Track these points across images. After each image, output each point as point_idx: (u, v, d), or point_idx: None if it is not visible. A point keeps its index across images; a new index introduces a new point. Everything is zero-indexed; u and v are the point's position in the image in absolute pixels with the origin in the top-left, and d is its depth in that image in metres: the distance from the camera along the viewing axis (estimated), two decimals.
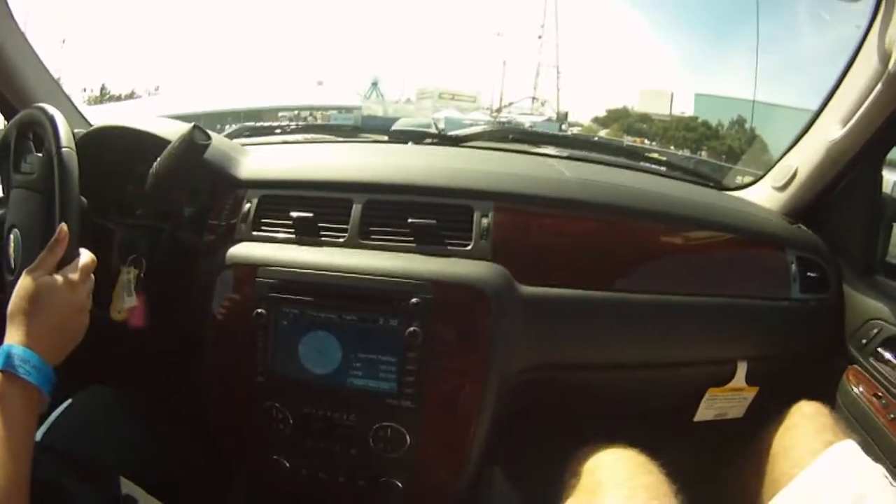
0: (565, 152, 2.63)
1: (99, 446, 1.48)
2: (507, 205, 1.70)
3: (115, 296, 1.65)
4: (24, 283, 1.18)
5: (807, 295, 1.89)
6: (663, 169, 2.62)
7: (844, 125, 1.86)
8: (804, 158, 2.06)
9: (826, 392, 1.81)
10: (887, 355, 1.73)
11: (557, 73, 63.22)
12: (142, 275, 1.68)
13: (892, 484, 1.38)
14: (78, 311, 1.23)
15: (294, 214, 1.67)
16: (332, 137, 2.78)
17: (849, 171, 1.95)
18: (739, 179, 2.49)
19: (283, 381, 1.57)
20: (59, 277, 1.22)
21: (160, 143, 1.68)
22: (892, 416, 1.63)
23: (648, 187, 1.98)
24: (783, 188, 2.15)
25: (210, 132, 1.77)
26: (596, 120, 53.48)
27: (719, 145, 43.83)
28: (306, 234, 1.66)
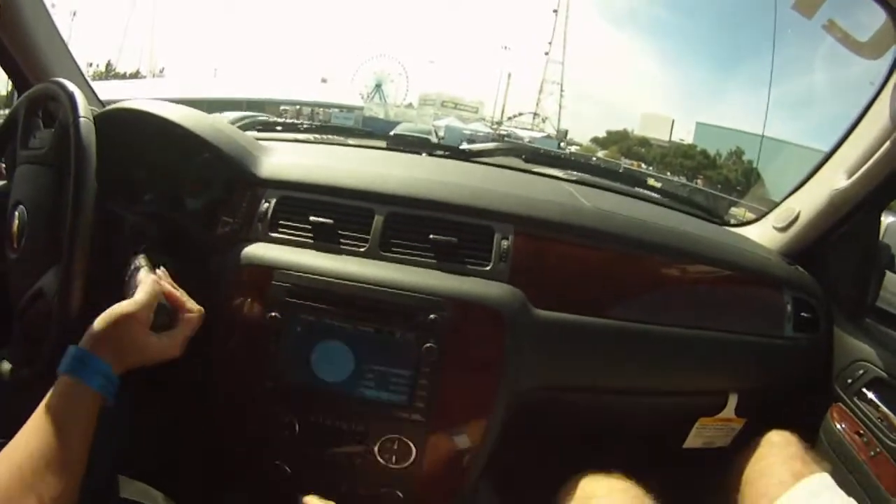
0: (575, 176, 2.67)
1: (100, 446, 1.31)
2: (526, 229, 1.72)
3: (124, 287, 1.48)
4: (136, 311, 1.23)
5: (799, 334, 1.94)
6: (669, 200, 2.68)
7: (850, 175, 1.92)
8: (807, 203, 2.12)
9: (810, 427, 1.87)
10: (871, 395, 1.79)
11: (561, 90, 63.27)
12: (151, 264, 1.52)
13: None
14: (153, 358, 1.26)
15: (314, 219, 1.65)
16: (342, 139, 2.84)
17: (849, 218, 2.02)
18: (738, 214, 2.54)
19: (292, 387, 1.54)
20: (164, 337, 1.29)
21: (174, 129, 1.71)
22: (872, 453, 1.69)
23: (659, 220, 2.02)
24: (784, 229, 2.21)
25: (228, 124, 1.86)
26: (595, 140, 53.56)
27: (715, 175, 43.88)
28: (325, 241, 1.65)
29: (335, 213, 1.66)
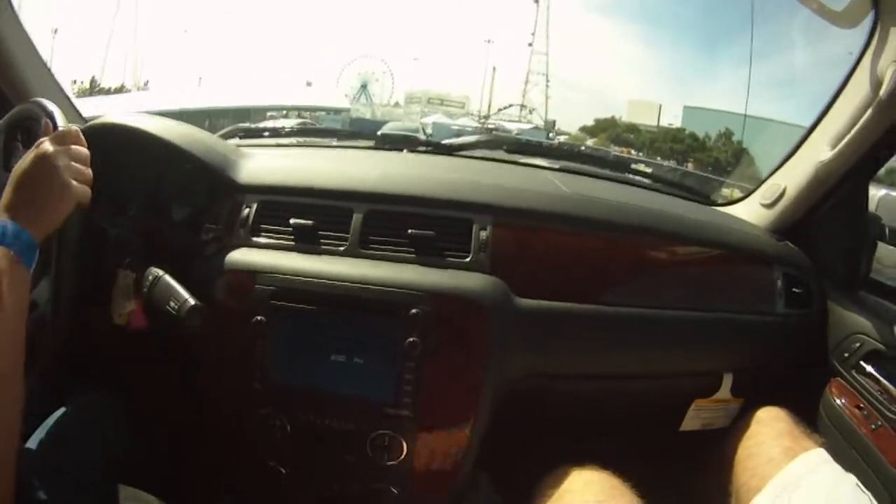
0: (558, 164, 2.69)
1: (92, 455, 1.46)
2: (505, 219, 1.72)
3: (114, 300, 1.66)
4: (19, 164, 1.23)
5: (791, 310, 1.93)
6: (655, 183, 2.69)
7: (833, 147, 1.91)
8: (792, 177, 2.12)
9: (809, 404, 1.86)
10: (869, 368, 1.78)
11: (546, 81, 63.37)
12: (139, 278, 1.64)
13: (863, 491, 1.42)
14: (62, 186, 1.23)
15: (294, 222, 1.67)
16: (326, 142, 2.82)
17: (835, 190, 2.01)
18: (727, 194, 2.53)
19: (281, 388, 1.57)
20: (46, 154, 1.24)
21: (154, 140, 1.73)
22: (873, 426, 1.67)
23: (643, 203, 2.02)
24: (771, 206, 2.20)
25: (207, 133, 1.89)
26: (584, 129, 53.64)
27: (706, 157, 43.99)
28: (306, 242, 1.67)
29: (315, 215, 1.68)
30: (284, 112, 42.63)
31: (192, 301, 1.49)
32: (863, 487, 1.43)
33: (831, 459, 1.53)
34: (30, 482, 1.23)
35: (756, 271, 1.97)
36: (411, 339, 1.49)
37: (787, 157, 2.18)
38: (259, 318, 1.53)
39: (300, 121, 24.96)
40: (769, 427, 1.67)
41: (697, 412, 1.97)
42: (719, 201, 2.54)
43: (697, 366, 1.92)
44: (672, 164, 42.58)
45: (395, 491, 1.60)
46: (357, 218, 1.67)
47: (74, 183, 1.25)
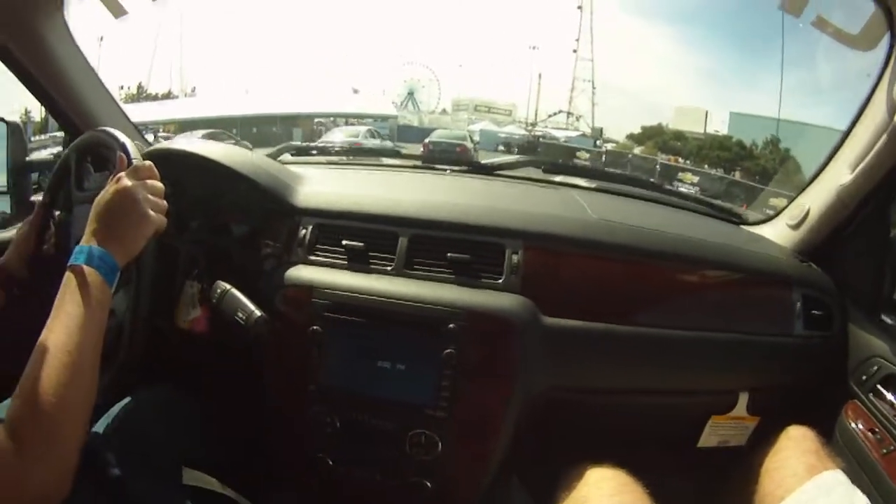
0: (594, 184, 2.79)
1: (160, 439, 1.64)
2: (535, 243, 1.87)
3: (180, 307, 1.87)
4: (101, 196, 1.39)
5: (810, 332, 1.97)
6: (686, 202, 2.74)
7: (853, 171, 1.94)
8: (817, 200, 2.13)
9: (824, 424, 1.87)
10: (886, 393, 1.79)
11: (593, 87, 62.67)
12: (204, 287, 1.84)
13: None
14: (141, 216, 1.40)
15: (346, 243, 1.86)
16: (373, 160, 3.04)
17: (857, 214, 2.02)
18: (759, 213, 2.54)
19: (333, 389, 1.76)
20: (126, 189, 1.40)
21: (215, 166, 1.94)
22: (885, 451, 1.69)
23: (669, 226, 2.11)
24: (796, 227, 2.23)
25: (262, 157, 2.10)
26: (631, 136, 52.89)
27: (753, 166, 43.22)
28: (357, 262, 1.85)
29: (365, 237, 1.87)
30: (332, 119, 42.70)
31: (258, 313, 1.68)
32: None
33: (847, 482, 1.56)
34: (105, 461, 1.43)
35: (775, 293, 2.00)
36: (448, 351, 1.68)
37: (812, 179, 2.20)
38: (315, 328, 1.73)
39: (349, 138, 25.07)
40: (797, 443, 1.72)
41: (714, 429, 2.03)
42: (749, 220, 2.57)
43: (714, 384, 1.99)
44: (719, 172, 42.01)
45: (430, 485, 1.76)
46: (402, 242, 1.85)
47: (152, 213, 1.42)
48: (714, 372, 1.96)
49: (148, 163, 1.52)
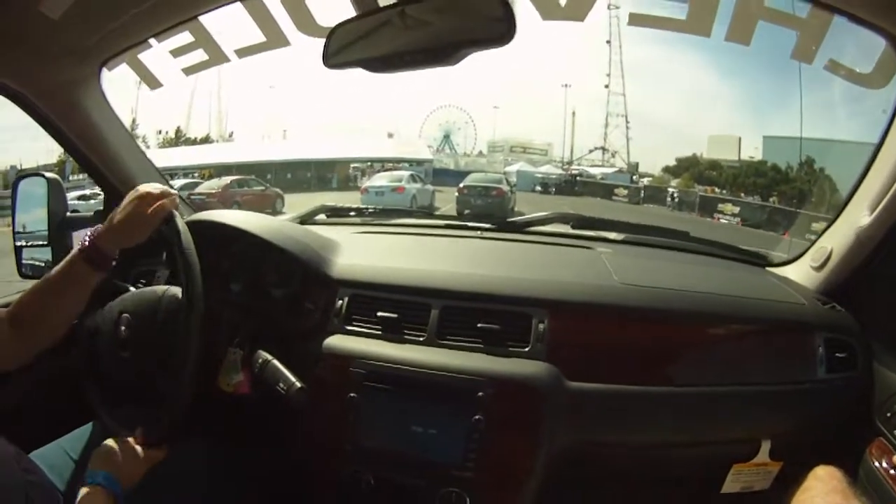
0: (622, 236, 2.84)
1: (197, 491, 1.79)
2: (560, 312, 1.94)
3: (223, 371, 1.96)
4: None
5: (833, 375, 1.95)
6: (713, 249, 2.76)
7: (872, 211, 1.93)
8: (837, 240, 2.14)
9: (850, 463, 1.84)
10: None
11: (626, 122, 62.67)
12: (246, 355, 1.96)
13: None
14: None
15: (381, 315, 1.97)
16: (406, 221, 3.10)
17: (878, 253, 2.01)
18: (784, 254, 2.54)
19: (368, 450, 1.85)
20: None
21: (251, 238, 2.09)
22: None
23: (693, 282, 2.16)
24: (819, 268, 2.23)
25: (297, 226, 2.30)
26: (666, 169, 52.68)
27: (789, 189, 42.79)
28: (391, 332, 1.96)
29: (398, 308, 1.98)
30: (369, 164, 42.87)
31: (298, 384, 1.83)
32: None
33: None
34: None
35: (798, 340, 2.00)
36: (477, 417, 1.76)
37: (832, 221, 2.20)
38: (353, 395, 1.85)
39: (392, 182, 25.38)
40: (823, 483, 1.68)
41: (737, 476, 2.01)
42: (775, 261, 2.59)
43: (736, 434, 1.98)
44: (757, 199, 41.64)
45: None
46: (434, 313, 1.95)
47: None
48: (735, 424, 1.96)
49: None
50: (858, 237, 2.02)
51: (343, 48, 1.70)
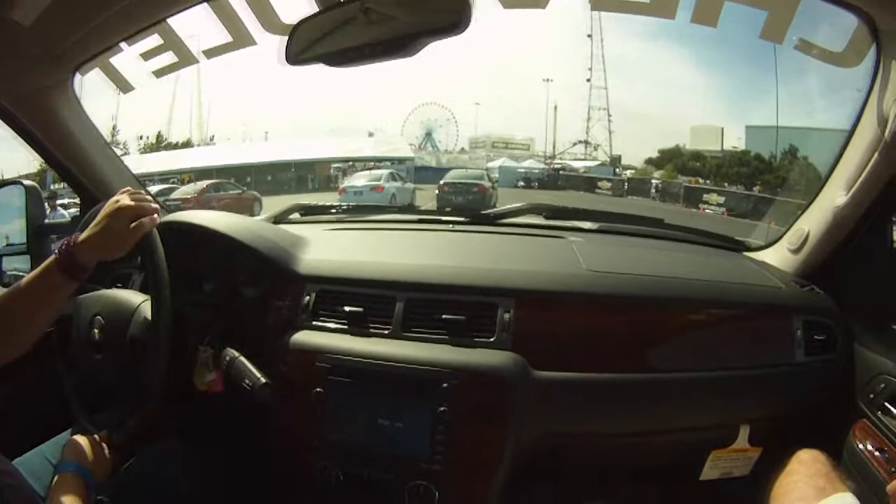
0: (596, 225, 2.81)
1: (169, 494, 1.80)
2: (526, 301, 1.92)
3: (196, 371, 1.96)
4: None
5: (812, 357, 1.94)
6: (689, 236, 2.75)
7: (848, 191, 1.91)
8: (814, 222, 2.12)
9: (833, 446, 1.86)
10: (891, 408, 1.77)
11: (608, 115, 62.87)
12: (217, 353, 1.96)
13: None
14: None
15: (347, 308, 1.98)
16: (378, 216, 3.09)
17: (855, 233, 2.01)
18: (761, 239, 2.56)
19: (336, 445, 1.87)
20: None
21: (221, 237, 2.11)
22: (893, 469, 1.67)
23: (665, 268, 2.15)
24: (797, 251, 2.21)
25: (268, 225, 2.32)
26: (649, 161, 52.76)
27: (773, 178, 42.95)
28: (357, 326, 1.96)
29: (364, 302, 1.99)
30: (350, 163, 42.78)
31: (263, 380, 1.81)
32: None
33: (855, 502, 1.55)
34: None
35: (774, 324, 1.98)
36: (442, 409, 1.76)
37: (809, 203, 2.18)
38: (319, 389, 1.85)
39: (372, 182, 25.23)
40: (807, 466, 1.71)
41: (715, 462, 2.02)
42: (752, 246, 2.58)
43: (712, 420, 1.98)
44: (740, 189, 41.78)
45: None
46: (399, 306, 1.96)
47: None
48: (712, 409, 1.95)
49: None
50: (835, 217, 2.01)
51: (305, 45, 1.68)
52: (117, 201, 1.64)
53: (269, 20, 2.15)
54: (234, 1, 2.19)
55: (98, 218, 1.63)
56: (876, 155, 1.79)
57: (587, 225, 2.81)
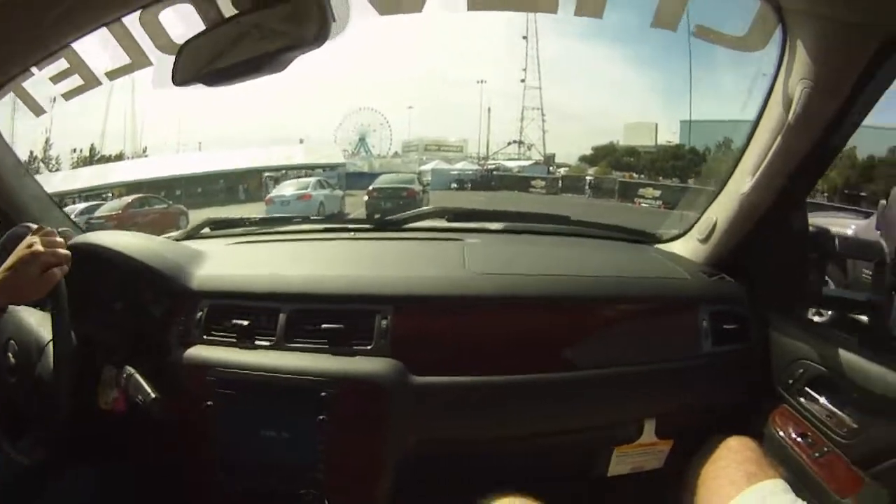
0: (502, 225, 2.81)
1: None
2: (404, 307, 1.94)
3: (100, 390, 1.97)
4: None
5: (721, 347, 1.95)
6: (598, 231, 2.78)
7: (753, 177, 1.90)
8: (722, 211, 2.11)
9: (752, 434, 1.85)
10: (814, 394, 1.77)
11: (542, 115, 63.25)
12: (119, 372, 1.95)
13: None
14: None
15: (235, 322, 1.97)
16: (287, 228, 3.04)
17: (763, 220, 1.99)
18: (672, 230, 2.54)
19: (230, 458, 1.88)
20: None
21: (118, 256, 2.07)
22: (817, 454, 1.67)
23: (560, 267, 2.17)
24: (705, 240, 2.21)
25: (167, 242, 2.35)
26: (583, 159, 53.40)
27: (706, 170, 43.68)
28: (245, 338, 1.95)
29: (251, 315, 1.99)
30: (283, 172, 42.59)
31: (153, 395, 1.84)
32: None
33: (787, 489, 1.56)
34: None
35: (678, 316, 2.00)
36: (322, 417, 1.79)
37: (718, 191, 2.17)
38: (209, 403, 1.86)
39: (299, 190, 24.93)
40: (736, 453, 1.71)
41: (622, 458, 2.02)
42: (663, 238, 2.57)
43: (613, 418, 1.98)
44: (675, 181, 42.42)
45: None
46: (283, 317, 1.95)
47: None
48: (610, 407, 1.95)
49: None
50: (741, 205, 2.00)
51: (191, 65, 1.61)
52: (31, 245, 1.63)
53: (163, 41, 2.11)
54: (130, 23, 2.16)
55: (11, 261, 1.62)
56: (779, 139, 1.77)
57: (495, 226, 2.81)
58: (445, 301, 1.97)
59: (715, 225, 2.15)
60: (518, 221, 2.93)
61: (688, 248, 2.34)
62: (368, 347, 1.88)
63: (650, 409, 1.96)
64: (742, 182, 1.96)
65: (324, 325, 1.92)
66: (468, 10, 1.86)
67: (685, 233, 2.41)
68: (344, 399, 1.80)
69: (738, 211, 2.02)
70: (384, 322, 1.90)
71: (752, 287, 2.07)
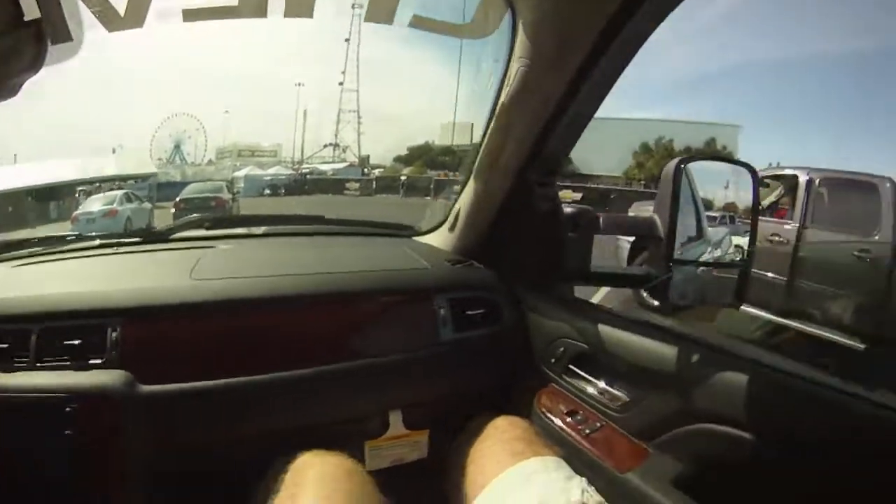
0: (262, 230, 2.87)
1: None
2: (132, 318, 1.90)
3: None
4: None
5: (464, 333, 2.00)
6: (357, 228, 2.89)
7: (492, 161, 1.97)
8: (465, 200, 2.19)
9: (523, 415, 1.89)
10: (579, 371, 1.84)
11: (358, 118, 63.31)
12: None
13: (591, 494, 1.45)
14: None
15: None
16: (69, 246, 2.86)
17: (505, 205, 2.08)
18: (433, 222, 2.61)
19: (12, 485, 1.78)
20: None
21: None
22: (588, 431, 1.73)
23: (297, 266, 2.19)
24: (452, 229, 2.29)
25: None
26: (399, 159, 54.00)
27: (463, 161, 45.35)
28: (3, 362, 1.86)
29: (7, 337, 1.89)
30: (97, 184, 41.00)
31: None
32: (591, 491, 1.47)
33: (558, 467, 1.56)
34: None
35: (414, 307, 2.05)
36: (68, 432, 1.73)
37: (466, 180, 2.23)
38: None
39: (106, 206, 23.89)
40: (504, 433, 1.73)
41: (376, 452, 2.04)
42: (423, 230, 2.64)
43: (357, 411, 2.01)
44: None
45: None
46: (33, 338, 1.88)
47: None
48: (352, 401, 1.98)
49: None
50: (479, 192, 2.08)
51: None
52: None
53: None
54: None
55: None
56: (493, 121, 1.87)
57: (257, 230, 2.86)
58: (168, 309, 1.95)
59: (458, 213, 2.23)
60: (275, 224, 3.00)
61: (440, 238, 2.42)
62: (100, 361, 1.85)
63: (394, 401, 2.01)
64: (481, 169, 2.04)
65: (66, 342, 1.87)
66: (184, 21, 1.87)
67: (440, 224, 2.48)
68: (85, 413, 1.76)
69: (478, 198, 2.11)
70: (114, 334, 1.87)
71: (508, 271, 2.13)
